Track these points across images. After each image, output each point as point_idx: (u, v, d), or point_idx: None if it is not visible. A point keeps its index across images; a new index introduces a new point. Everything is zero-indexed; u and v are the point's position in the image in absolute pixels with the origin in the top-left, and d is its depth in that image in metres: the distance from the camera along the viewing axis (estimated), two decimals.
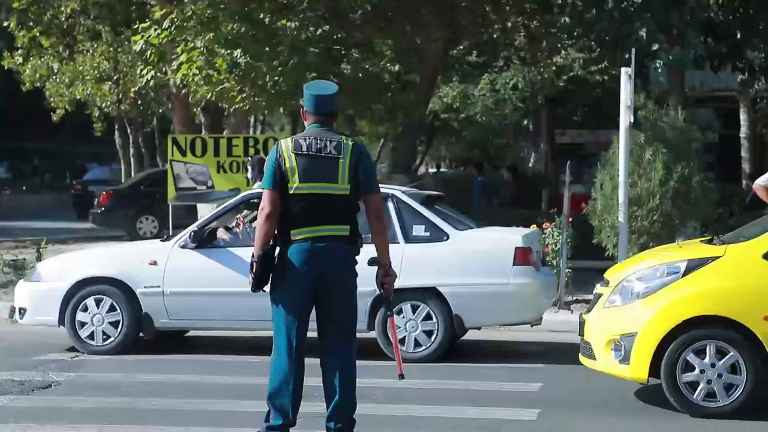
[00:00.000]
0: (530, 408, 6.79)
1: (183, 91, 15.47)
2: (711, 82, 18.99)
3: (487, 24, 17.55)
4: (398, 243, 8.32)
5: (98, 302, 8.73)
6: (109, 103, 25.04)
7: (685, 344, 6.41)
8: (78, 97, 24.91)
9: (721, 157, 15.27)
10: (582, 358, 7.03)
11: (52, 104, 26.00)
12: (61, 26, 18.65)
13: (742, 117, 21.57)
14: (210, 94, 13.54)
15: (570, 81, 20.88)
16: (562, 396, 7.29)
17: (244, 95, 13.36)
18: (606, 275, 7.13)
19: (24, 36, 18.81)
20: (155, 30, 13.01)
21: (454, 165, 39.85)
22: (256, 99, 13.53)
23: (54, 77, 23.88)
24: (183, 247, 8.67)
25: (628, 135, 10.74)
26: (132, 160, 29.80)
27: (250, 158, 12.10)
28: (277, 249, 5.48)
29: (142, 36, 13.50)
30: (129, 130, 30.10)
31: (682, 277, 6.51)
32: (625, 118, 10.67)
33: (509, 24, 17.44)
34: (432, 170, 37.39)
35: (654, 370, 6.49)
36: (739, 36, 14.20)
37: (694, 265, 6.55)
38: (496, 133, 27.93)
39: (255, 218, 9.12)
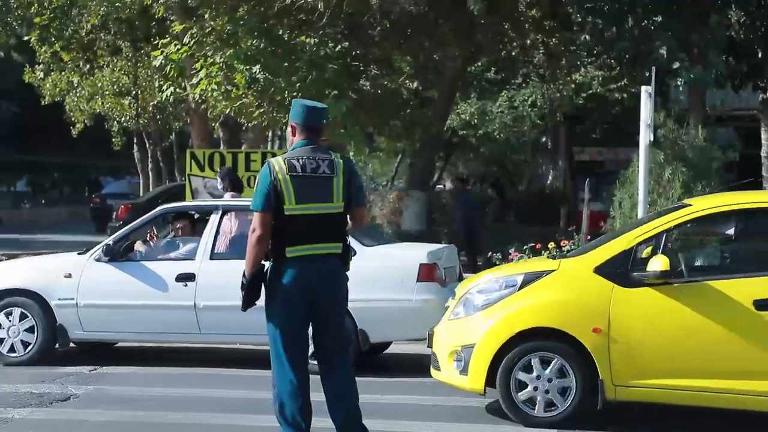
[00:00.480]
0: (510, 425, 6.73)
1: (202, 106, 15.54)
2: (732, 101, 18.91)
3: (506, 41, 17.54)
4: None
5: (9, 314, 8.88)
6: (128, 117, 25.20)
7: (518, 357, 6.53)
8: (97, 111, 25.10)
9: (741, 176, 15.19)
10: (431, 370, 7.14)
11: (72, 118, 26.19)
12: (82, 41, 18.80)
13: (764, 136, 21.41)
14: (228, 110, 13.60)
15: (589, 98, 20.84)
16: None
17: (262, 110, 13.41)
18: (456, 289, 7.27)
19: (45, 51, 18.97)
20: (175, 45, 13.08)
21: (472, 181, 39.80)
22: (274, 114, 13.57)
23: (74, 92, 24.07)
24: (97, 260, 8.88)
25: (648, 153, 10.69)
26: (150, 174, 29.96)
27: (218, 170, 12.31)
28: (267, 267, 5.49)
29: (162, 51, 13.57)
30: (147, 145, 30.27)
31: (519, 290, 6.63)
32: (645, 136, 10.62)
33: (528, 41, 17.42)
34: (452, 186, 37.37)
35: (490, 381, 6.61)
36: (760, 55, 14.14)
37: (530, 279, 6.67)
38: (514, 149, 27.87)
39: (167, 235, 9.30)
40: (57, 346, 8.92)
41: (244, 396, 7.62)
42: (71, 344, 9.06)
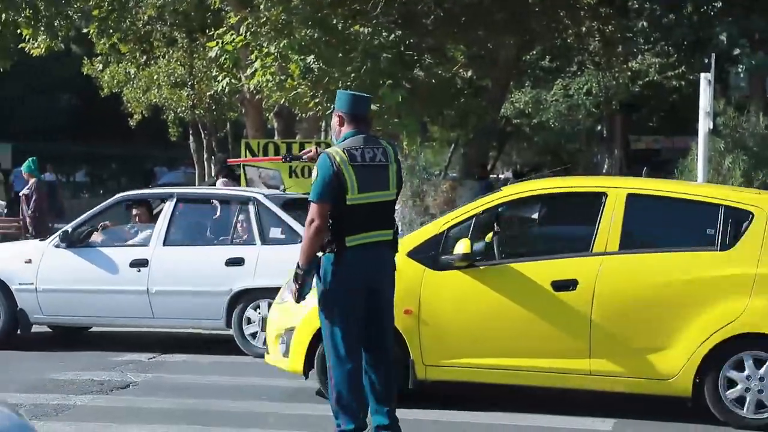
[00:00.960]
0: (606, 417, 6.68)
1: (256, 97, 15.63)
2: None
3: (561, 29, 17.37)
4: (255, 245, 8.80)
5: None
6: (183, 108, 25.46)
7: None
8: (154, 102, 25.40)
9: None
10: (264, 353, 7.32)
11: (129, 109, 26.54)
12: (139, 33, 19.01)
13: None
14: (283, 100, 13.65)
15: (646, 86, 20.58)
16: (637, 405, 7.16)
17: (316, 101, 13.44)
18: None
19: (103, 43, 19.22)
20: (231, 36, 13.16)
21: (525, 171, 39.58)
22: (328, 104, 13.60)
23: (131, 83, 24.38)
24: (56, 246, 9.09)
25: (707, 142, 10.54)
26: (206, 164, 30.24)
27: (214, 157, 12.54)
28: (325, 255, 5.47)
29: (218, 43, 13.66)
30: (203, 135, 30.57)
31: None
32: (704, 124, 10.46)
33: (584, 29, 17.24)
34: (505, 175, 37.18)
35: (309, 364, 6.72)
36: None
37: None
38: (568, 138, 27.66)
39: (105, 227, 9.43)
40: (18, 331, 9.18)
41: (302, 386, 7.67)
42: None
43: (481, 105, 16.91)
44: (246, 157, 15.75)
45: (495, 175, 33.92)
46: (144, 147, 38.68)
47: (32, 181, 13.55)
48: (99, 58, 21.86)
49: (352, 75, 13.03)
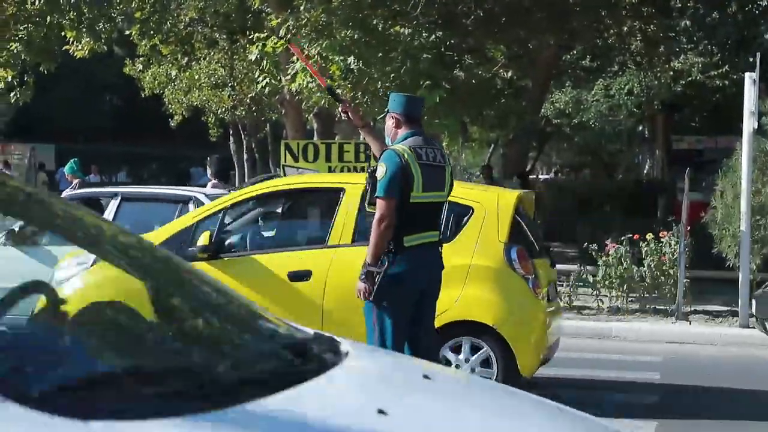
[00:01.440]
0: (648, 419, 6.61)
1: (296, 98, 15.68)
2: None
3: (602, 28, 17.23)
4: None
5: None
6: (224, 109, 25.62)
7: None
8: (195, 103, 25.59)
9: None
10: None
11: (170, 110, 26.77)
12: (180, 34, 19.14)
13: None
14: (323, 101, 13.68)
15: (688, 86, 20.35)
16: (679, 408, 7.08)
17: (357, 101, 13.45)
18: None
19: (145, 44, 19.39)
20: (271, 39, 13.22)
21: (565, 171, 39.34)
22: (368, 105, 13.60)
23: (172, 84, 24.58)
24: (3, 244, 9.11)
25: (752, 141, 10.39)
26: (245, 164, 30.42)
27: (209, 158, 12.66)
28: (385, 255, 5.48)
29: (257, 46, 13.71)
30: (243, 136, 30.74)
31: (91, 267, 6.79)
32: (748, 124, 10.33)
33: (625, 28, 17.08)
34: (547, 176, 37.01)
35: None
36: None
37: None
38: (609, 138, 27.43)
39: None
40: None
41: None
42: None
43: (521, 105, 16.82)
44: (285, 158, 15.86)
45: (534, 176, 33.77)
46: (184, 148, 39.01)
47: (75, 181, 13.70)
48: (140, 59, 22.06)
49: (392, 75, 13.03)
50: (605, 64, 21.07)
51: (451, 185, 5.67)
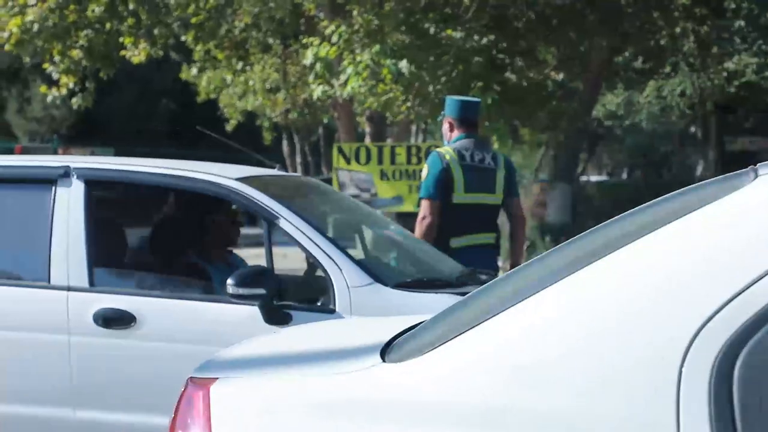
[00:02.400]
0: None
1: (349, 101, 15.89)
2: None
3: (655, 30, 17.17)
4: None
5: None
6: (277, 113, 25.94)
7: None
8: (249, 107, 25.94)
9: None
10: None
11: (225, 115, 27.16)
12: (235, 40, 19.45)
13: None
14: (375, 105, 13.86)
15: (742, 87, 20.16)
16: None
17: (408, 104, 13.60)
18: None
19: (199, 50, 19.73)
20: (323, 46, 13.43)
21: (616, 173, 39.09)
22: (419, 108, 13.76)
23: (227, 89, 24.96)
24: None
25: None
26: (299, 168, 30.74)
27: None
28: None
29: (312, 50, 13.93)
30: (296, 139, 31.08)
31: None
32: None
33: (678, 29, 17.01)
34: (601, 177, 36.83)
35: None
36: None
37: None
38: (661, 140, 27.24)
39: None
40: None
41: None
42: None
43: (573, 107, 16.83)
44: (338, 160, 16.07)
45: (586, 177, 33.60)
46: (239, 152, 39.54)
47: None
48: (196, 64, 22.45)
49: (443, 79, 13.16)
50: (657, 66, 20.94)
51: (509, 190, 5.63)
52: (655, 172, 28.93)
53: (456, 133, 5.65)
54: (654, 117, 22.98)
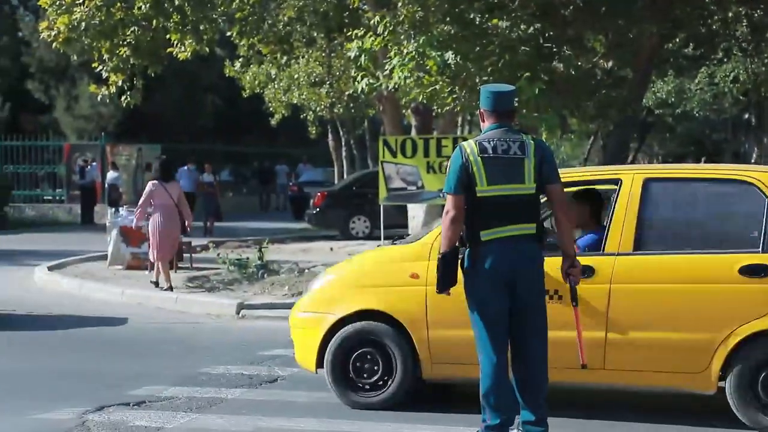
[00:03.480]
0: None
1: (395, 93, 15.74)
2: None
3: (706, 15, 16.78)
4: None
5: None
6: (323, 106, 25.91)
7: None
8: (294, 101, 25.93)
9: None
10: None
11: (270, 109, 27.20)
12: (279, 34, 19.41)
13: None
14: (421, 96, 13.70)
15: None
16: None
17: (454, 96, 13.42)
18: None
19: (244, 44, 19.72)
20: (369, 37, 13.30)
21: (669, 161, 38.50)
22: (466, 99, 13.56)
23: (272, 83, 24.97)
24: None
25: None
26: (344, 161, 30.69)
27: (156, 159, 13.34)
28: (463, 251, 5.50)
29: (356, 43, 13.79)
30: (341, 132, 31.02)
31: None
32: None
33: (730, 14, 16.60)
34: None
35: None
36: None
37: None
38: (713, 127, 26.74)
39: None
40: None
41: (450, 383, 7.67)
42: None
43: (622, 96, 16.50)
44: (384, 153, 15.95)
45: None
46: (284, 146, 39.59)
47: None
48: (240, 59, 22.47)
49: (490, 69, 12.96)
50: (709, 52, 20.49)
51: (541, 178, 5.45)
52: (709, 161, 28.41)
53: (487, 124, 5.58)
54: (706, 104, 22.55)
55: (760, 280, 5.97)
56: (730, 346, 5.98)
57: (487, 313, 5.47)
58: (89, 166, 27.22)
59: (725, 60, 21.18)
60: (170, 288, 12.58)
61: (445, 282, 5.53)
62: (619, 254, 6.23)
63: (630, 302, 6.14)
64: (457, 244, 5.51)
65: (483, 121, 5.67)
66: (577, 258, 5.71)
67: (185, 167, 23.42)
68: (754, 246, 6.09)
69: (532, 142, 5.54)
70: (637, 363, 6.14)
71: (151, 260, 13.16)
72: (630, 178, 6.40)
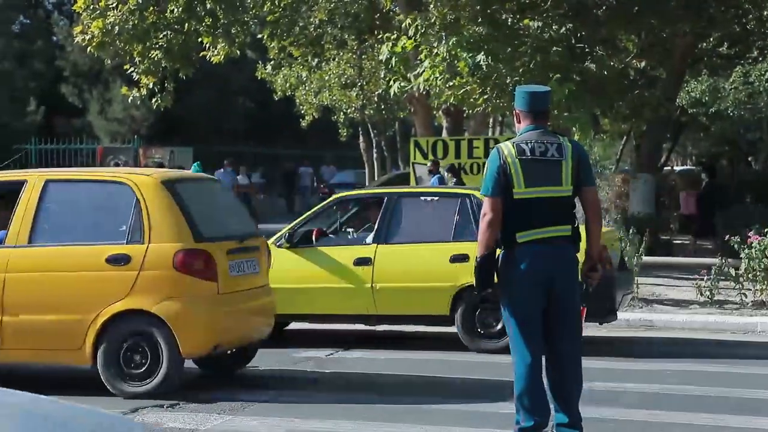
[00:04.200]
0: None
1: (426, 94, 15.72)
2: None
3: (741, 14, 16.60)
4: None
5: None
6: (353, 108, 25.94)
7: None
8: (325, 103, 25.99)
9: None
10: None
11: (302, 111, 27.28)
12: (310, 36, 19.47)
13: None
14: (452, 98, 13.67)
15: None
16: None
17: (485, 97, 13.38)
18: None
19: (275, 47, 19.80)
20: (401, 40, 13.29)
21: (699, 162, 38.16)
22: (497, 101, 13.52)
23: (303, 86, 25.05)
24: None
25: None
26: (375, 163, 30.70)
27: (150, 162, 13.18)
28: (500, 252, 5.46)
29: (387, 45, 13.78)
30: (372, 134, 31.03)
31: None
32: None
33: (765, 12, 16.42)
34: (682, 167, 35.94)
35: None
36: None
37: None
38: (749, 127, 26.41)
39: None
40: None
41: (485, 382, 7.64)
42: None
43: (655, 96, 16.37)
44: (415, 155, 15.92)
45: (669, 167, 32.82)
46: (315, 148, 39.69)
47: None
48: (272, 62, 22.55)
49: (521, 70, 12.90)
50: (744, 51, 20.27)
51: (579, 181, 5.40)
52: (744, 161, 28.09)
53: (523, 125, 5.54)
54: (740, 103, 22.27)
55: (121, 267, 7.07)
56: (98, 324, 7.04)
57: (522, 315, 5.44)
58: None
59: (760, 59, 20.91)
60: None
61: (484, 285, 5.53)
62: (16, 246, 7.26)
63: (21, 288, 7.21)
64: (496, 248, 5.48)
65: (518, 122, 5.63)
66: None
67: (222, 169, 23.56)
68: (121, 238, 7.15)
69: (569, 144, 5.50)
70: (29, 342, 7.21)
71: None
72: (33, 180, 7.44)
